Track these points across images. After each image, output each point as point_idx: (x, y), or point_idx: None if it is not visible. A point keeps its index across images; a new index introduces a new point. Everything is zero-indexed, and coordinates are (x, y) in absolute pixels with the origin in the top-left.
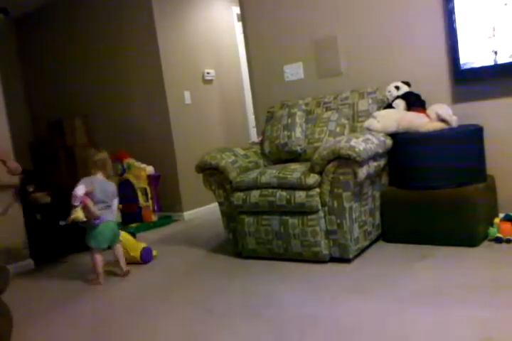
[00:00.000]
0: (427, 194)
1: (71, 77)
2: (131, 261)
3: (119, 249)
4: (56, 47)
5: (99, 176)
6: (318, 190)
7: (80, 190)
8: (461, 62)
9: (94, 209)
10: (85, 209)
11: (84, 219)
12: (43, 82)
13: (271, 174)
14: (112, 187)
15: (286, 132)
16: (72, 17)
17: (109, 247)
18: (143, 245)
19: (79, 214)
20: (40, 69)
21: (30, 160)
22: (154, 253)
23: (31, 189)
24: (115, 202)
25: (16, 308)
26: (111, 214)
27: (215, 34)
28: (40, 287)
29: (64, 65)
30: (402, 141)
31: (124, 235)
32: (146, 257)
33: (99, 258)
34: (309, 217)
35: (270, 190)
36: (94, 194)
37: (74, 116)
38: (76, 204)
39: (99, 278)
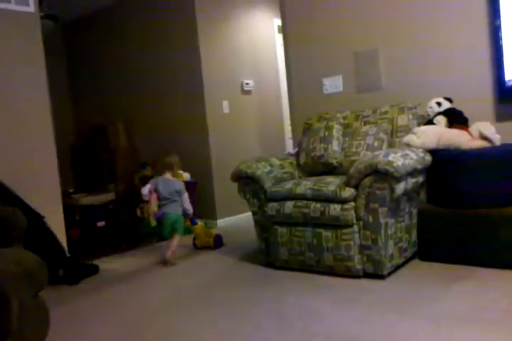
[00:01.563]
0: (467, 213)
1: (115, 83)
2: (206, 245)
3: (174, 240)
4: (101, 54)
5: (167, 176)
6: (353, 203)
7: (145, 189)
8: (506, 79)
9: (154, 205)
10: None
11: (155, 210)
12: (88, 87)
13: (306, 185)
14: (177, 185)
15: (322, 144)
16: (118, 25)
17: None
18: (216, 232)
19: (149, 208)
20: (85, 75)
21: (71, 162)
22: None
23: (71, 190)
24: (183, 198)
25: (53, 307)
26: (174, 207)
27: (255, 45)
28: (77, 287)
29: (108, 71)
30: (442, 157)
31: (200, 224)
32: (217, 243)
33: (173, 243)
34: (343, 230)
35: (304, 202)
36: (158, 191)
37: (116, 121)
38: (146, 199)
39: (167, 261)
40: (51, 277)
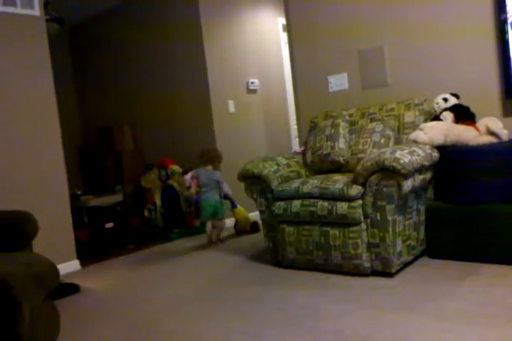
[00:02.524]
0: (476, 209)
1: (120, 84)
2: (244, 230)
3: (218, 224)
4: (106, 56)
5: (208, 168)
6: (360, 201)
7: (187, 176)
8: None
9: (193, 188)
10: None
11: (194, 195)
12: (94, 89)
13: (313, 184)
14: (215, 176)
15: (329, 142)
16: (123, 27)
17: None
18: (252, 219)
19: (190, 191)
20: (91, 77)
21: (78, 165)
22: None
23: (79, 192)
24: (223, 186)
25: (63, 308)
26: (213, 194)
27: (260, 44)
28: (85, 287)
29: (113, 74)
30: (449, 154)
31: (240, 208)
32: (254, 228)
33: (208, 228)
34: (351, 228)
35: (312, 200)
36: (200, 179)
37: (122, 123)
38: (187, 185)
39: (210, 241)
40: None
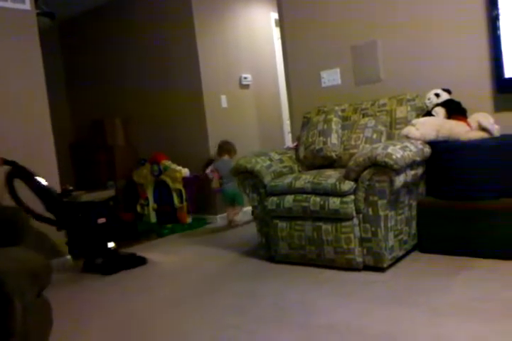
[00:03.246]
0: (466, 204)
1: (111, 79)
2: None
3: (236, 209)
4: (98, 50)
5: (225, 158)
6: (352, 196)
7: (208, 170)
8: (504, 69)
9: (215, 182)
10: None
11: (216, 187)
12: (84, 84)
13: (305, 179)
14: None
15: (321, 138)
16: (115, 21)
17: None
18: None
19: (213, 184)
20: (81, 72)
21: (70, 160)
22: None
23: (71, 188)
24: None
25: (56, 304)
26: (232, 184)
27: (252, 39)
28: (79, 283)
29: (104, 68)
30: (441, 149)
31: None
32: None
33: (229, 211)
34: (343, 223)
35: (304, 196)
36: (220, 171)
37: (113, 118)
38: (210, 177)
39: (230, 223)
40: (88, 265)
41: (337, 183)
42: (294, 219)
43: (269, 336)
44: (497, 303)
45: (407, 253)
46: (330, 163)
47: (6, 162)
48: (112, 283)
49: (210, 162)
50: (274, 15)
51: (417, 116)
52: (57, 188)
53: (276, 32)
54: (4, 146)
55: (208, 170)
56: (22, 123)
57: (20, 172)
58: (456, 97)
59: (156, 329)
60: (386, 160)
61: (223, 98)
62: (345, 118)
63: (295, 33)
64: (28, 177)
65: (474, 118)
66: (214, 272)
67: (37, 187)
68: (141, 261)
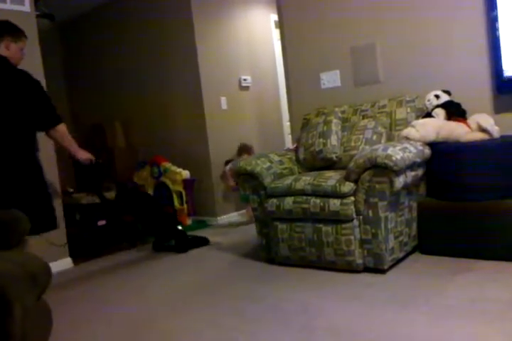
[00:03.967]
0: (467, 206)
1: (111, 81)
2: None
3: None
4: (97, 52)
5: (244, 157)
6: (353, 198)
7: (227, 168)
8: (504, 70)
9: (230, 180)
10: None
11: (234, 185)
12: (85, 86)
13: (305, 181)
14: None
15: (321, 139)
16: (115, 23)
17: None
18: None
19: (230, 182)
20: (81, 74)
21: (70, 162)
22: None
23: (71, 190)
24: None
25: (55, 307)
26: None
27: (252, 41)
28: (78, 285)
29: (104, 70)
30: (441, 150)
31: None
32: None
33: (249, 208)
34: (343, 225)
35: (304, 197)
36: None
37: (113, 120)
38: (227, 175)
39: (251, 219)
40: (161, 245)
41: (337, 185)
42: (294, 221)
43: (269, 338)
44: (497, 305)
45: (408, 254)
46: (330, 165)
47: (97, 163)
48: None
49: (229, 161)
50: (274, 17)
51: (417, 118)
52: (58, 189)
53: (275, 33)
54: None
55: (226, 168)
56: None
57: (102, 172)
58: (455, 98)
59: (154, 330)
60: (386, 161)
61: (223, 100)
62: (345, 120)
63: (295, 34)
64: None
65: (474, 119)
66: (214, 273)
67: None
68: (205, 242)
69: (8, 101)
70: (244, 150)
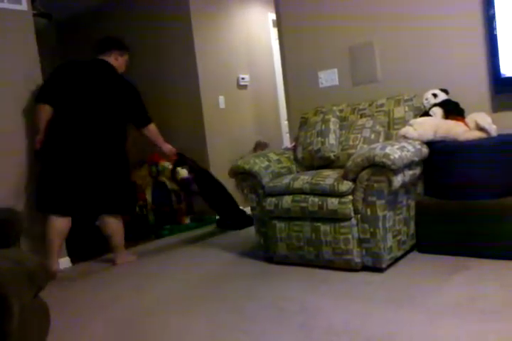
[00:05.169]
0: (465, 204)
1: None
2: None
3: None
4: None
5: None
6: (351, 197)
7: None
8: (501, 69)
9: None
10: None
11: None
12: None
13: (303, 180)
14: None
15: (319, 138)
16: (112, 23)
17: None
18: None
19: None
20: None
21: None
22: None
23: None
24: None
25: (53, 306)
26: None
27: (250, 40)
28: (76, 285)
29: None
30: (438, 149)
31: None
32: None
33: None
34: (341, 224)
35: (302, 196)
36: None
37: None
38: None
39: None
40: (224, 223)
41: (335, 184)
42: (293, 220)
43: (267, 337)
44: (496, 303)
45: (406, 253)
46: (328, 164)
47: (178, 154)
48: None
49: (258, 142)
50: (272, 16)
51: (415, 117)
52: None
53: (273, 32)
54: (2, 148)
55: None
56: (20, 124)
57: (184, 162)
58: (453, 97)
59: (152, 328)
60: (384, 160)
61: (221, 99)
62: (343, 119)
63: (292, 33)
64: (190, 163)
65: (472, 118)
66: (212, 272)
67: (197, 170)
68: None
69: (111, 102)
70: (260, 146)
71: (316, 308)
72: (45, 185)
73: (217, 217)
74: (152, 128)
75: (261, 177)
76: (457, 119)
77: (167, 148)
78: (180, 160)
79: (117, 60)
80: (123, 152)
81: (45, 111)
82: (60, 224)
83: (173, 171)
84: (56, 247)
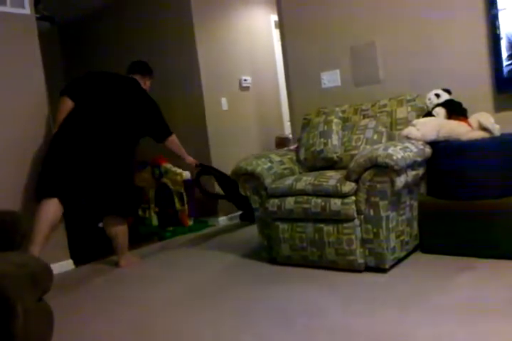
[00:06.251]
0: (468, 204)
1: None
2: None
3: None
4: (98, 55)
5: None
6: (354, 197)
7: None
8: (504, 69)
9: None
10: None
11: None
12: None
13: (306, 181)
14: None
15: (322, 139)
16: (114, 25)
17: None
18: None
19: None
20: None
21: None
22: None
23: None
24: None
25: (57, 308)
26: None
27: (252, 41)
28: (79, 287)
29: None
30: (442, 149)
31: None
32: None
33: None
34: (345, 225)
35: (305, 197)
36: None
37: None
38: None
39: None
40: (248, 216)
41: (338, 184)
42: (296, 221)
43: (270, 338)
44: (499, 303)
45: (409, 253)
46: (331, 165)
47: (200, 165)
48: None
49: (280, 138)
50: (274, 18)
51: (418, 117)
52: None
53: (276, 34)
54: (4, 149)
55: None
56: (21, 127)
57: (207, 171)
58: (456, 97)
59: (155, 331)
60: (387, 161)
61: (223, 100)
62: (345, 120)
63: (295, 34)
64: (213, 172)
65: (475, 118)
66: (215, 273)
67: (220, 177)
68: None
69: (131, 111)
70: (281, 143)
71: (319, 310)
72: (48, 169)
73: (240, 213)
74: (173, 140)
75: (263, 179)
76: (460, 119)
77: (190, 160)
78: (203, 170)
79: (145, 84)
80: (130, 158)
81: (66, 104)
82: (53, 211)
83: (197, 181)
84: (43, 238)
